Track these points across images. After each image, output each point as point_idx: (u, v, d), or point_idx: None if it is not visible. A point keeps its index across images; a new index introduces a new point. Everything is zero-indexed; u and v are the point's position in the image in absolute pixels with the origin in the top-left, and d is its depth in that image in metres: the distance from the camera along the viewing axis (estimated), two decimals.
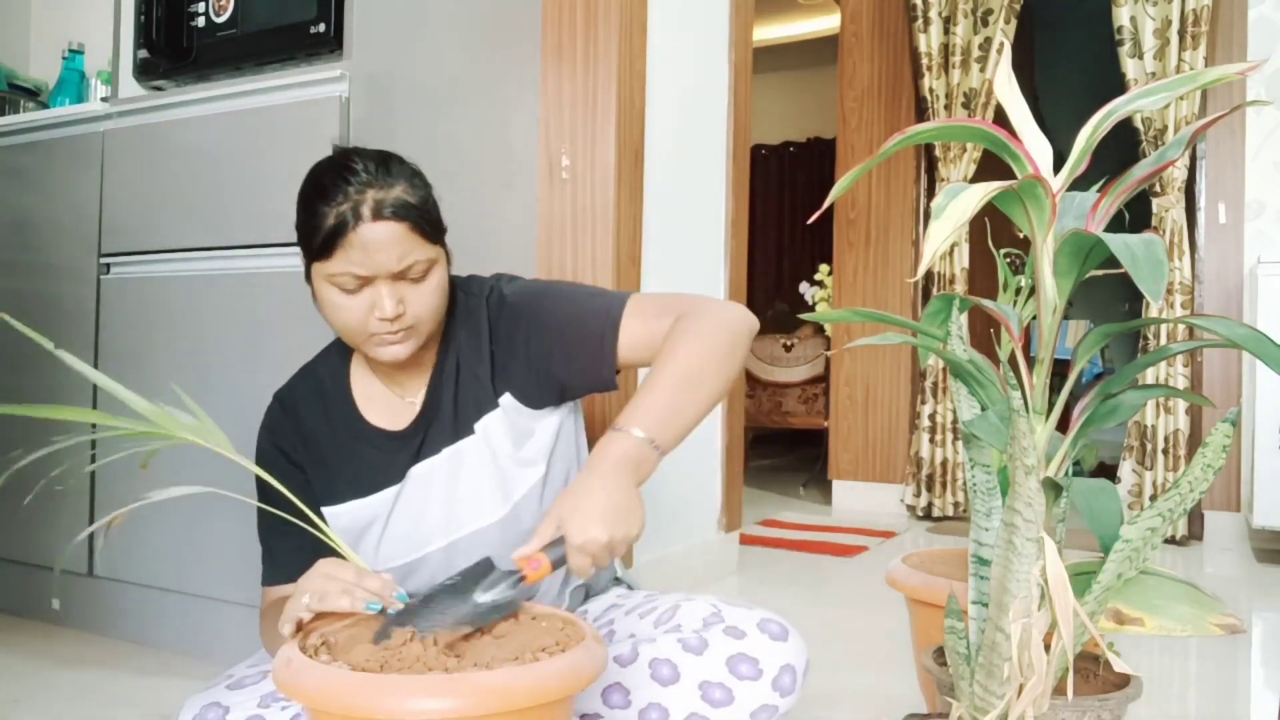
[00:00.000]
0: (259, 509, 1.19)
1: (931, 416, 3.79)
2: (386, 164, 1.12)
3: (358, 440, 1.23)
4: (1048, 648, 0.81)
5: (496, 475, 1.21)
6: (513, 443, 1.22)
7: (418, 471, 1.21)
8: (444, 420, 1.21)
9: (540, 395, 1.22)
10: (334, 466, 1.22)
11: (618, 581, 1.44)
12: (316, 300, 1.15)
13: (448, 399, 1.21)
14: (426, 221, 1.11)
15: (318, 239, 1.09)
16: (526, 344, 1.20)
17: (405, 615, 0.90)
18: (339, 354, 1.28)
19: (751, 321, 1.19)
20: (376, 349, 1.14)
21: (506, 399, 1.22)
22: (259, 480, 1.10)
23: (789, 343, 5.06)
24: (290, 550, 1.18)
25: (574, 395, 1.25)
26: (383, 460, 1.22)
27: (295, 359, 1.74)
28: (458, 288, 1.26)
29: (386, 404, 1.24)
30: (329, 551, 1.05)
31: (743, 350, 1.16)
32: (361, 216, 1.07)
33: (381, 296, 1.09)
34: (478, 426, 1.21)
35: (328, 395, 1.25)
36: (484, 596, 0.93)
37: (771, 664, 1.13)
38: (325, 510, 1.22)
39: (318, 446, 1.23)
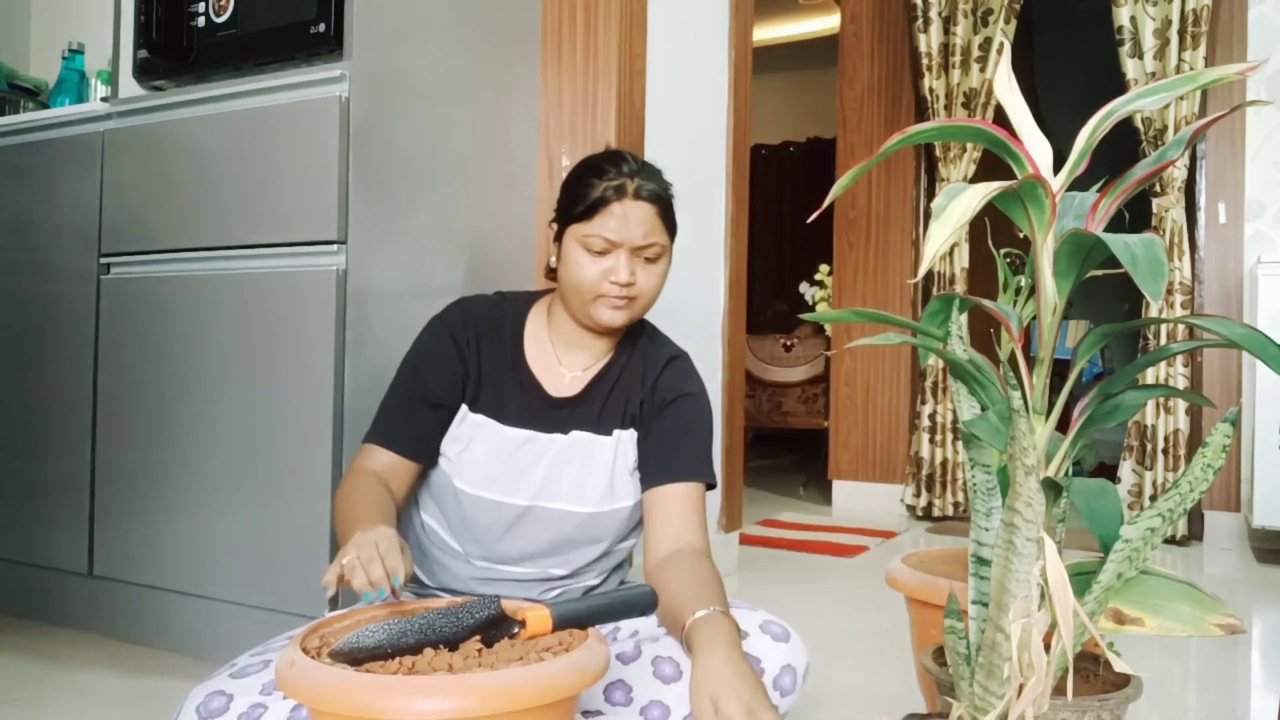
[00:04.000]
0: (397, 380, 1.36)
1: (931, 416, 3.79)
2: (649, 164, 1.33)
3: (514, 375, 1.35)
4: (1048, 648, 0.81)
5: (608, 478, 1.33)
6: (634, 462, 1.35)
7: (547, 438, 1.33)
8: (591, 412, 1.34)
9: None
10: (484, 382, 1.34)
11: (622, 583, 1.44)
12: (559, 260, 1.33)
13: (601, 397, 1.35)
14: (670, 215, 1.32)
15: (583, 204, 1.28)
16: (659, 415, 1.36)
17: (375, 634, 0.87)
18: (522, 302, 1.42)
19: None
20: (600, 309, 1.29)
21: (634, 434, 1.37)
22: (410, 359, 1.35)
23: (789, 343, 5.06)
24: (404, 424, 1.32)
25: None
26: (525, 408, 1.34)
27: (295, 359, 1.74)
28: (649, 331, 1.42)
29: (545, 364, 1.37)
30: (437, 440, 1.33)
31: None
32: (625, 192, 1.27)
33: (620, 263, 1.27)
34: (616, 433, 1.35)
35: (502, 325, 1.38)
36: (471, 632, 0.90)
37: (773, 664, 1.14)
38: (464, 407, 1.34)
39: (480, 356, 1.35)
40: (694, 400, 1.37)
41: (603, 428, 1.34)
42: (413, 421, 1.32)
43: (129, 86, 2.11)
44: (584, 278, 1.28)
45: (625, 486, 1.34)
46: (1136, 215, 1.49)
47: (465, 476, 1.32)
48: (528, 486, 1.31)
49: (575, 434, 1.33)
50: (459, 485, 1.32)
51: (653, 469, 1.33)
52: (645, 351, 1.39)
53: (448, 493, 1.33)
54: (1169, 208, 3.32)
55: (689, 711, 1.10)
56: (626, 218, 1.26)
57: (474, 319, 1.37)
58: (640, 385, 1.36)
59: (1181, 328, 3.26)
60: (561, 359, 1.37)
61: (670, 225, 1.32)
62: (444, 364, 1.33)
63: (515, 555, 1.32)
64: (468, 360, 1.34)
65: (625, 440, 1.35)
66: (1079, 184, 0.86)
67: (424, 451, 1.33)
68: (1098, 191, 0.82)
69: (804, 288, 5.17)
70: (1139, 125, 3.35)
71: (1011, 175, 0.77)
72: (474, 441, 1.33)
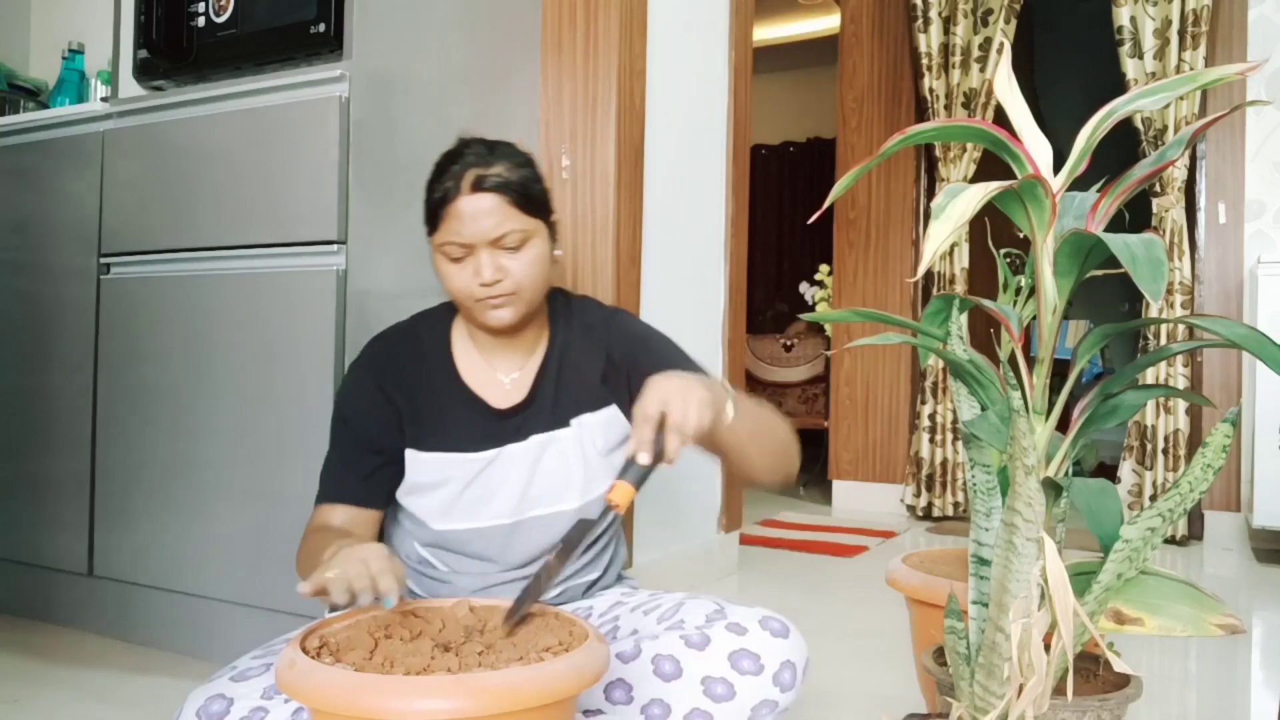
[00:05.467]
0: (332, 435, 1.31)
1: (931, 416, 3.79)
2: (493, 148, 1.25)
3: (453, 399, 1.30)
4: (1048, 648, 0.81)
5: (583, 468, 1.29)
6: (605, 443, 1.32)
7: (508, 451, 1.28)
8: (543, 411, 1.30)
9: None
10: (425, 415, 1.30)
11: (620, 579, 1.44)
12: (437, 274, 1.27)
13: (548, 392, 1.31)
14: (522, 196, 1.22)
15: (428, 214, 1.25)
16: (629, 358, 1.32)
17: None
18: (442, 318, 1.36)
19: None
20: (485, 313, 1.24)
21: (613, 410, 1.33)
22: (338, 411, 1.29)
23: (789, 343, 5.06)
24: (349, 474, 1.28)
25: None
26: (475, 427, 1.29)
27: (295, 359, 1.74)
28: (572, 304, 1.38)
29: (481, 376, 1.32)
30: (389, 484, 1.28)
31: (788, 467, 1.32)
32: (461, 189, 1.20)
33: (481, 263, 1.21)
34: (575, 421, 1.30)
35: (426, 351, 1.33)
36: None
37: (772, 660, 1.14)
38: (409, 453, 1.29)
39: (412, 392, 1.30)
40: (628, 316, 1.40)
41: (559, 421, 1.30)
42: (359, 469, 1.28)
43: (129, 86, 2.12)
44: (455, 287, 1.23)
45: (600, 469, 1.31)
46: (1136, 215, 1.49)
47: (440, 516, 1.29)
48: (507, 503, 1.28)
49: (534, 438, 1.29)
50: (439, 527, 1.28)
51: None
52: (580, 325, 1.34)
53: (431, 535, 1.30)
54: (1169, 208, 3.32)
55: (691, 708, 1.10)
56: (467, 214, 1.19)
57: (392, 357, 1.31)
58: (596, 364, 1.32)
59: (1181, 328, 3.26)
60: (494, 365, 1.32)
61: (529, 206, 1.22)
62: (374, 413, 1.28)
63: (520, 561, 1.31)
64: (398, 403, 1.28)
65: (587, 424, 1.31)
66: (1079, 184, 0.86)
67: (378, 497, 1.29)
68: (1098, 191, 0.82)
69: (804, 288, 5.17)
70: (1139, 125, 3.35)
71: (1011, 175, 0.77)
72: (435, 479, 1.28)
